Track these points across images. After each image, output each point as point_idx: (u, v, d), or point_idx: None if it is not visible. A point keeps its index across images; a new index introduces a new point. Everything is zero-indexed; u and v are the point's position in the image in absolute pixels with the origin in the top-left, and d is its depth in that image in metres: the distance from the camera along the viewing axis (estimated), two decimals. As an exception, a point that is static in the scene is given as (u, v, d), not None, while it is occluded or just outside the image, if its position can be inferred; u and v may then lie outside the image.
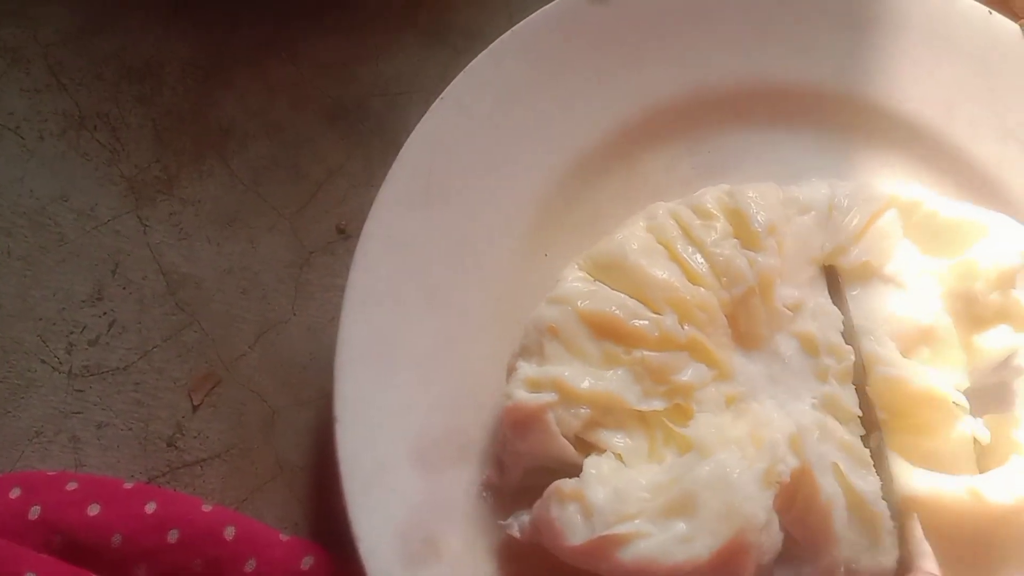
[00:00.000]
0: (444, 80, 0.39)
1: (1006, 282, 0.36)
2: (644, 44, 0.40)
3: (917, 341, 0.36)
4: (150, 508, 0.36)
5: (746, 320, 0.36)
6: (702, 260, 0.36)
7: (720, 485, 0.32)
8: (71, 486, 0.36)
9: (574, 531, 0.33)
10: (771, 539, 0.32)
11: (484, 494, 0.36)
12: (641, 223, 0.37)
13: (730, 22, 0.41)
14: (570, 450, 0.34)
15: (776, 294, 0.36)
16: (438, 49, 0.44)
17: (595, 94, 0.40)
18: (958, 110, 0.41)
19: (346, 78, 0.43)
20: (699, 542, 0.32)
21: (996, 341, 0.36)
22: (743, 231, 0.36)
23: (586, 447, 0.35)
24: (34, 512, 0.35)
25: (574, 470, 0.34)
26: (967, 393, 0.36)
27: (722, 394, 0.35)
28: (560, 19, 0.40)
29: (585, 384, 0.34)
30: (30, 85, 0.43)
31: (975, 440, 0.35)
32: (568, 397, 0.34)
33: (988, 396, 0.37)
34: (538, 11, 0.39)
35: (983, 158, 0.40)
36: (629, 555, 0.32)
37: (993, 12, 0.41)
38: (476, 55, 0.39)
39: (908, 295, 0.37)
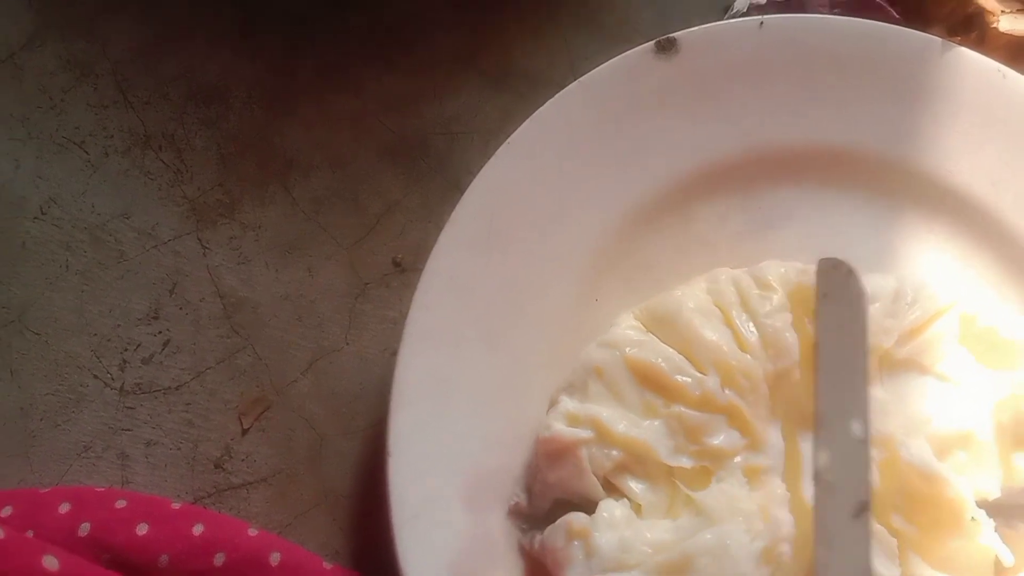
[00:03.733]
0: (504, 122, 0.40)
1: None
2: (704, 101, 0.41)
3: (954, 445, 0.37)
4: (197, 530, 0.36)
5: (805, 399, 0.36)
6: (753, 329, 0.37)
7: (719, 554, 0.33)
8: (120, 504, 0.37)
9: (574, 567, 0.34)
10: None
11: (510, 519, 0.37)
12: (702, 284, 0.38)
13: (788, 84, 0.41)
14: (597, 489, 0.36)
15: None
16: (499, 92, 0.44)
17: (654, 147, 0.41)
18: (1004, 185, 0.42)
19: (408, 115, 0.44)
20: None
21: None
22: (808, 307, 0.37)
23: (612, 490, 0.36)
24: (84, 529, 0.35)
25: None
26: (996, 508, 0.36)
27: (748, 464, 0.35)
28: (627, 72, 0.40)
29: (621, 427, 0.35)
30: (97, 101, 0.43)
31: (996, 561, 0.35)
32: (603, 437, 0.35)
33: (1013, 514, 0.37)
34: (605, 63, 0.40)
35: (1025, 231, 0.42)
36: None
37: None
38: (536, 99, 0.40)
39: (955, 398, 0.38)
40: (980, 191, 0.42)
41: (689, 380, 0.36)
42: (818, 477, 0.32)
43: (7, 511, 0.31)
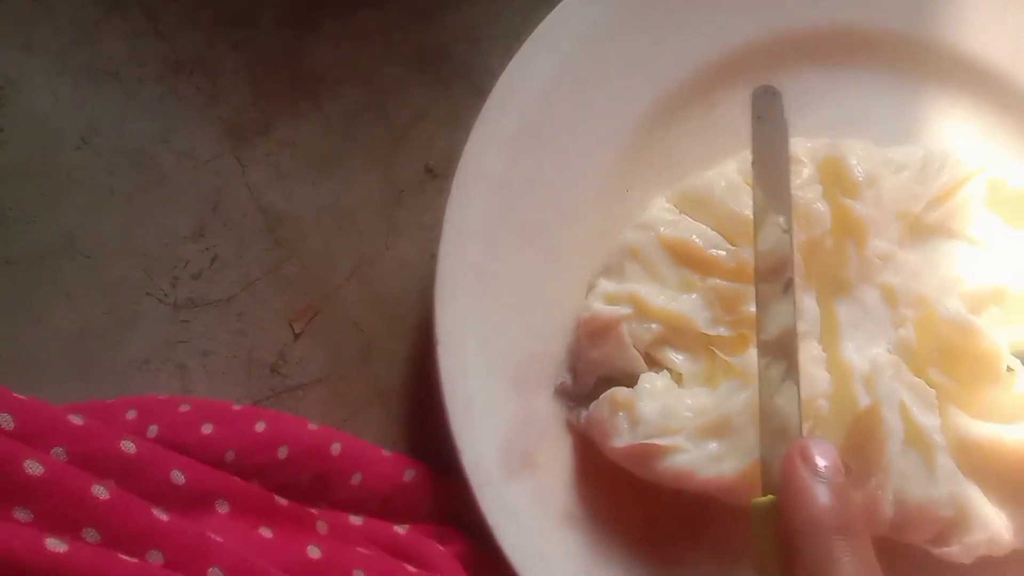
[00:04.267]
0: (524, 25, 0.41)
1: None
2: None
3: (988, 301, 0.38)
4: (260, 427, 0.38)
5: (839, 266, 0.38)
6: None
7: (754, 413, 0.35)
8: (184, 408, 0.38)
9: (620, 435, 0.36)
10: None
11: (557, 398, 0.39)
12: (732, 165, 0.39)
13: None
14: (639, 362, 0.37)
15: (868, 244, 0.38)
16: (519, -6, 0.45)
17: (675, 36, 0.41)
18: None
19: (430, 25, 0.45)
20: (728, 462, 0.35)
21: None
22: (843, 181, 0.38)
23: (653, 363, 0.37)
24: (152, 431, 0.37)
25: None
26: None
27: None
28: (648, -40, 0.41)
29: (659, 301, 0.37)
30: (128, 31, 0.44)
31: None
32: (642, 312, 0.37)
33: None
34: (622, -44, 0.41)
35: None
36: (665, 464, 0.36)
37: None
38: (555, 1, 0.41)
39: (985, 259, 0.39)
40: (1001, 62, 0.43)
41: (723, 253, 0.37)
42: (757, 260, 0.35)
43: (77, 419, 0.33)
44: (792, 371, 0.33)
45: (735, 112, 0.42)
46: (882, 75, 0.43)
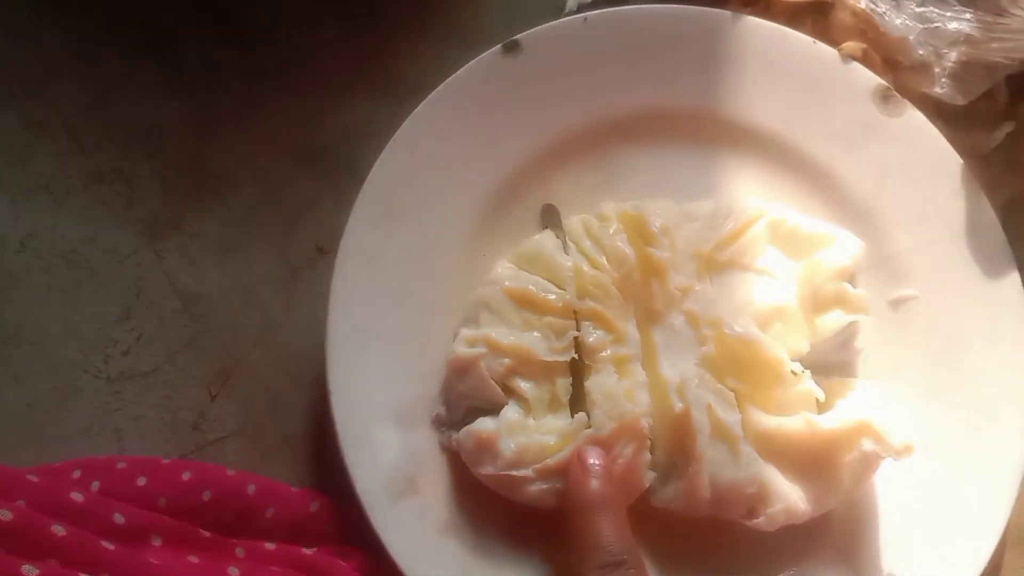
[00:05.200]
0: (392, 123, 0.48)
1: (841, 277, 0.47)
2: (549, 87, 0.50)
3: (772, 318, 0.47)
4: (186, 476, 0.44)
5: (649, 300, 0.47)
6: (599, 251, 0.47)
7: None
8: (121, 465, 0.45)
9: (484, 466, 0.44)
10: (638, 475, 0.44)
11: (434, 428, 0.47)
12: (550, 230, 0.48)
13: (614, 65, 0.50)
14: (497, 392, 0.45)
15: (670, 280, 0.47)
16: (386, 99, 0.53)
17: (511, 129, 0.50)
18: (794, 120, 0.51)
19: (315, 128, 0.53)
20: None
21: (831, 320, 0.47)
22: (644, 233, 0.47)
23: (508, 391, 0.45)
24: (95, 486, 0.43)
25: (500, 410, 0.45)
26: (815, 364, 0.47)
27: (616, 355, 0.46)
28: (481, 72, 0.49)
29: (507, 340, 0.45)
30: (55, 150, 0.52)
31: (817, 401, 0.46)
32: (495, 349, 0.45)
33: (832, 370, 0.48)
34: (464, 67, 0.50)
35: (816, 155, 0.51)
36: (523, 491, 0.44)
37: (816, 41, 0.51)
38: (416, 102, 0.49)
39: (769, 285, 0.48)
40: (775, 128, 0.51)
41: (553, 296, 0.46)
42: None
43: (34, 477, 0.40)
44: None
45: (566, 185, 0.51)
46: (683, 144, 0.52)
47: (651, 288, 0.47)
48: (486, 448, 0.44)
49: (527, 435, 0.45)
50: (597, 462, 0.42)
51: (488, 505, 0.46)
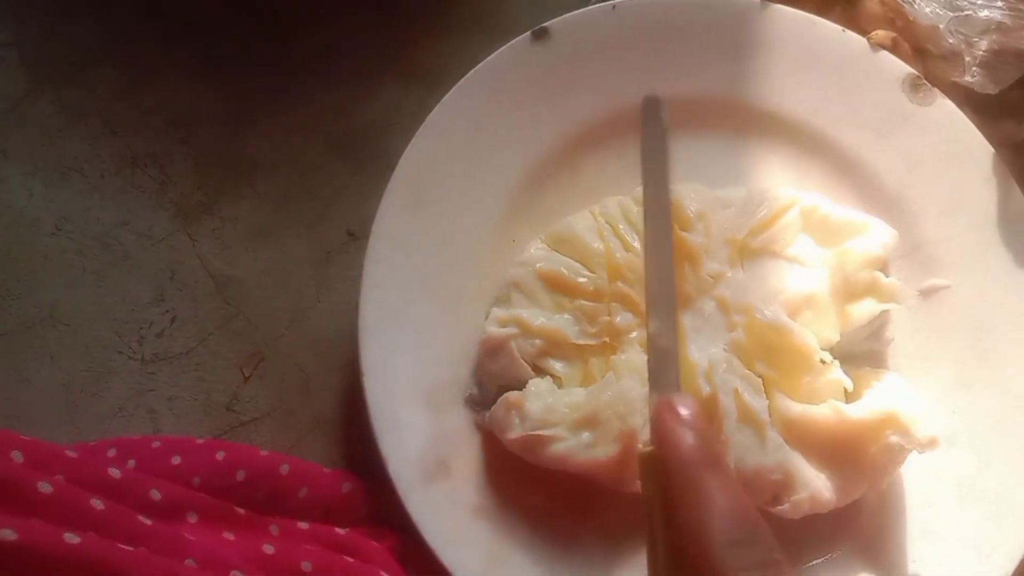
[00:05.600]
0: (421, 112, 0.49)
1: (873, 266, 0.47)
2: (577, 74, 0.50)
3: (802, 306, 0.47)
4: (220, 456, 0.45)
5: (680, 284, 0.47)
6: (635, 235, 0.48)
7: (618, 405, 0.44)
8: (155, 444, 0.45)
9: (512, 429, 0.44)
10: None
11: (467, 406, 0.47)
12: (592, 209, 0.48)
13: (642, 52, 0.51)
14: (527, 371, 0.46)
15: (703, 266, 0.47)
16: (414, 88, 0.54)
17: (540, 115, 0.50)
18: (823, 108, 0.51)
19: (344, 116, 0.54)
20: (599, 448, 0.44)
21: (863, 309, 0.47)
22: (679, 218, 0.47)
23: (539, 371, 0.46)
24: (130, 464, 0.44)
25: None
26: (844, 354, 0.47)
27: (642, 338, 0.46)
28: (511, 58, 0.50)
29: (538, 322, 0.46)
30: (89, 134, 0.52)
31: (845, 390, 0.46)
32: (526, 331, 0.46)
33: (862, 359, 0.48)
34: (493, 54, 0.50)
35: (845, 144, 0.51)
36: (549, 451, 0.44)
37: (845, 30, 0.52)
38: (444, 90, 0.49)
39: (801, 272, 0.48)
40: (804, 116, 0.51)
41: (584, 279, 0.46)
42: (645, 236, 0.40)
43: (72, 452, 0.40)
44: (670, 330, 0.38)
45: (593, 171, 0.51)
46: (713, 133, 0.52)
47: (683, 272, 0.47)
48: (514, 409, 0.44)
49: (555, 397, 0.45)
50: (688, 411, 0.35)
51: (520, 488, 0.46)
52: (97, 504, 0.36)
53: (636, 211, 0.48)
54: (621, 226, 0.48)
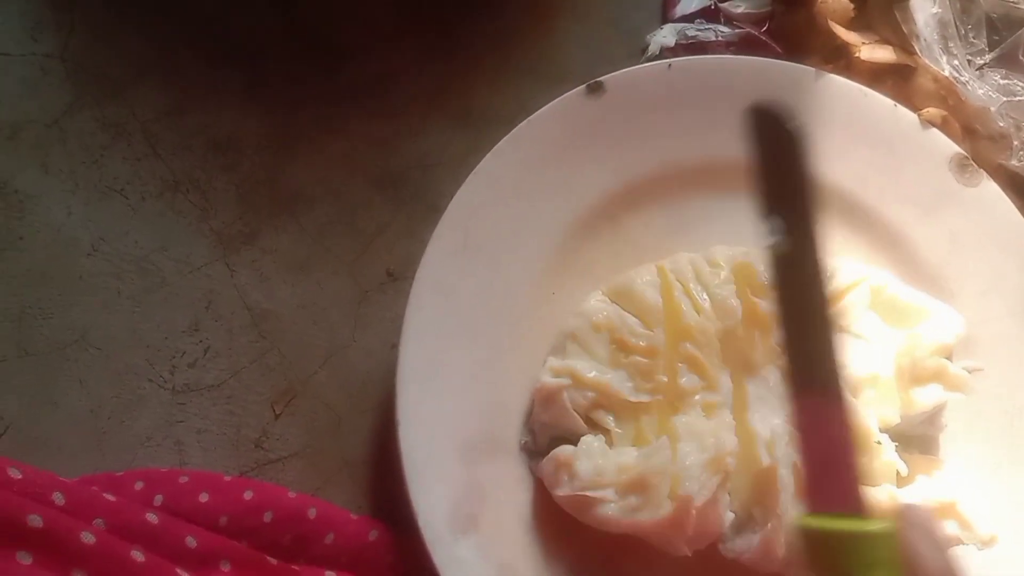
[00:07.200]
0: (467, 154, 0.49)
1: (941, 353, 0.47)
2: (628, 130, 0.50)
3: (865, 385, 0.47)
4: (248, 495, 0.45)
5: (748, 351, 0.47)
6: (706, 297, 0.48)
7: (668, 470, 0.43)
8: (183, 479, 0.45)
9: (562, 487, 0.44)
10: (717, 512, 0.44)
11: (522, 455, 0.47)
12: (652, 265, 0.48)
13: (694, 113, 0.51)
14: (580, 423, 0.46)
15: (773, 335, 0.47)
16: (462, 129, 0.54)
17: (589, 169, 0.50)
18: (870, 180, 0.52)
19: (390, 151, 0.53)
20: (644, 512, 0.43)
21: (928, 395, 0.47)
22: (752, 283, 0.47)
23: (592, 423, 0.46)
24: (157, 500, 0.44)
25: None
26: (899, 436, 0.47)
27: (705, 401, 0.46)
28: (564, 110, 0.50)
29: (592, 374, 0.46)
30: (131, 155, 0.52)
31: (897, 473, 0.46)
32: (579, 382, 0.46)
33: (913, 444, 0.48)
34: (548, 104, 0.50)
35: (889, 217, 0.51)
36: (596, 512, 0.44)
37: (898, 104, 0.52)
38: (492, 134, 0.49)
39: (865, 350, 0.48)
40: (850, 187, 0.52)
41: (642, 340, 0.46)
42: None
43: (110, 496, 0.40)
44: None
45: (639, 230, 0.51)
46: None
47: (753, 339, 0.47)
48: (563, 468, 0.45)
49: (606, 458, 0.45)
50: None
51: (551, 546, 0.46)
52: (138, 556, 0.36)
53: (708, 271, 0.48)
54: (692, 285, 0.48)
